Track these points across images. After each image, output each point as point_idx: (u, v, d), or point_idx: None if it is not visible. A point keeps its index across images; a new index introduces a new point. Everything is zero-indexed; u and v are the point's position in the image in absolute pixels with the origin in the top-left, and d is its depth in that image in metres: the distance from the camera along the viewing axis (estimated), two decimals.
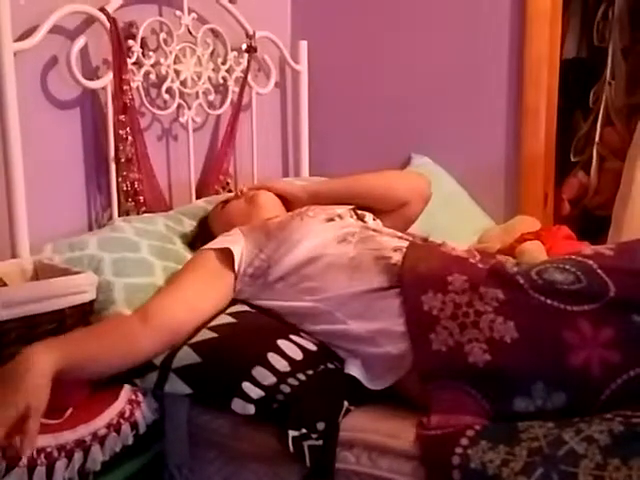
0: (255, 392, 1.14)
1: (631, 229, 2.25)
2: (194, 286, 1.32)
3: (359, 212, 1.54)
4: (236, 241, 1.40)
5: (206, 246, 1.43)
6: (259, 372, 1.16)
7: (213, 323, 1.28)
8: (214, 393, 1.18)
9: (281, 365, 1.17)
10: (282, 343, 1.22)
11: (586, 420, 1.01)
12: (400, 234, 1.43)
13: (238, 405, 1.14)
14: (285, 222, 1.45)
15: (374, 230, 1.42)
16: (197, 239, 1.64)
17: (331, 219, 1.46)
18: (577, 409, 1.04)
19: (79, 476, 1.08)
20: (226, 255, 1.37)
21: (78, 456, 1.09)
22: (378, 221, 1.58)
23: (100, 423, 1.14)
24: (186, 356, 1.20)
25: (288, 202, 1.66)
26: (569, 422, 1.01)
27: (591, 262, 1.15)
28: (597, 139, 2.70)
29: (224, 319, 1.30)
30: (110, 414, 1.16)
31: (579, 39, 2.79)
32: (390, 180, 1.64)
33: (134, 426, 1.18)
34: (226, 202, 1.68)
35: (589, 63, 2.77)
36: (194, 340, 1.23)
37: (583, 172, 2.77)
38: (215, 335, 1.24)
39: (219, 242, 1.42)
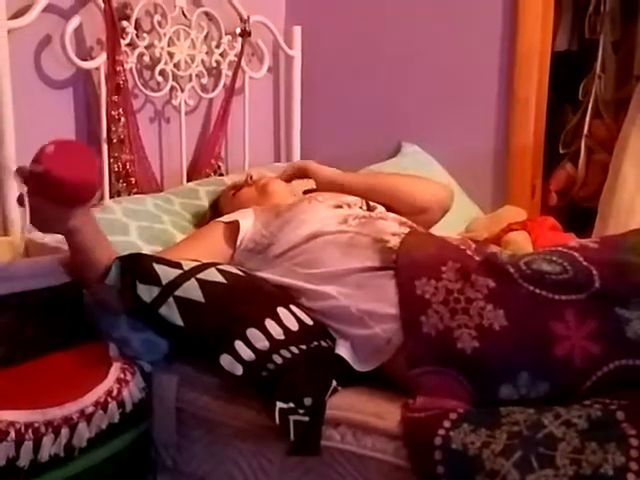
0: (246, 353, 1.15)
1: (617, 221, 2.28)
2: (192, 251, 1.36)
3: (371, 204, 1.55)
4: (247, 217, 1.45)
5: (219, 219, 1.48)
6: (253, 334, 1.17)
7: (224, 267, 1.29)
8: (204, 340, 1.19)
9: (276, 332, 1.19)
10: (281, 311, 1.24)
11: (565, 406, 1.03)
12: (404, 220, 1.44)
13: (227, 361, 1.14)
14: (293, 204, 1.50)
15: (379, 217, 1.44)
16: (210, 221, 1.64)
17: (339, 206, 1.48)
18: (559, 398, 1.06)
19: (65, 452, 1.10)
20: (233, 228, 1.42)
21: (65, 432, 1.10)
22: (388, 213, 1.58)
23: (88, 401, 1.15)
24: (191, 290, 1.20)
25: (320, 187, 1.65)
26: (549, 407, 1.04)
27: (577, 254, 1.16)
28: (586, 131, 2.72)
29: (233, 269, 1.31)
30: (98, 392, 1.18)
31: (570, 32, 2.80)
32: (415, 185, 1.64)
33: (121, 404, 1.20)
34: (236, 188, 1.69)
35: (580, 56, 2.78)
36: (203, 276, 1.23)
37: (571, 164, 2.78)
38: (224, 281, 1.24)
39: (231, 216, 1.46)
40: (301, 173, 1.68)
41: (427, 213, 1.61)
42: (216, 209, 1.70)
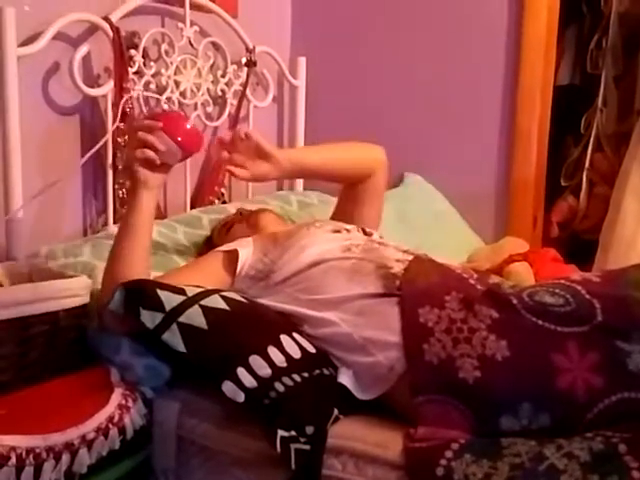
0: (249, 380, 1.14)
1: (617, 253, 2.29)
2: (191, 279, 1.35)
3: (367, 230, 1.56)
4: (246, 246, 1.44)
5: (218, 248, 1.47)
6: (256, 361, 1.16)
7: (227, 294, 1.29)
8: (207, 367, 1.18)
9: (279, 360, 1.18)
10: (284, 338, 1.23)
11: (567, 438, 1.03)
12: (406, 248, 1.45)
13: (229, 388, 1.14)
14: (292, 231, 1.49)
15: (379, 243, 1.44)
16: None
17: (337, 231, 1.49)
18: (560, 430, 1.06)
19: (65, 477, 1.09)
20: (232, 257, 1.41)
21: (66, 458, 1.10)
22: (384, 238, 1.60)
23: (89, 427, 1.14)
24: (195, 317, 1.20)
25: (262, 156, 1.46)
26: (550, 440, 1.03)
27: (579, 287, 1.17)
28: (587, 164, 2.74)
29: (236, 296, 1.31)
30: (99, 418, 1.17)
31: (573, 66, 2.83)
32: (356, 151, 1.63)
33: (122, 431, 1.19)
34: (228, 225, 1.69)
35: (582, 90, 2.82)
36: (206, 303, 1.23)
37: (573, 196, 2.80)
38: (227, 308, 1.24)
39: (230, 245, 1.45)
40: (257, 153, 1.42)
41: (375, 176, 1.60)
42: (210, 246, 1.70)
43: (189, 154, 1.37)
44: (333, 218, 1.68)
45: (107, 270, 1.36)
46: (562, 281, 1.21)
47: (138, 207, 1.34)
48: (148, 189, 1.34)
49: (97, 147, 1.64)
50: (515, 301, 1.16)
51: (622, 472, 0.94)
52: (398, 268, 1.30)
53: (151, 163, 1.32)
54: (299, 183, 2.44)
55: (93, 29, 1.71)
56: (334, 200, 1.74)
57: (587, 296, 1.14)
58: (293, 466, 1.08)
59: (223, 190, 2.14)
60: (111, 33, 1.68)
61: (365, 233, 1.55)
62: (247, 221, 1.66)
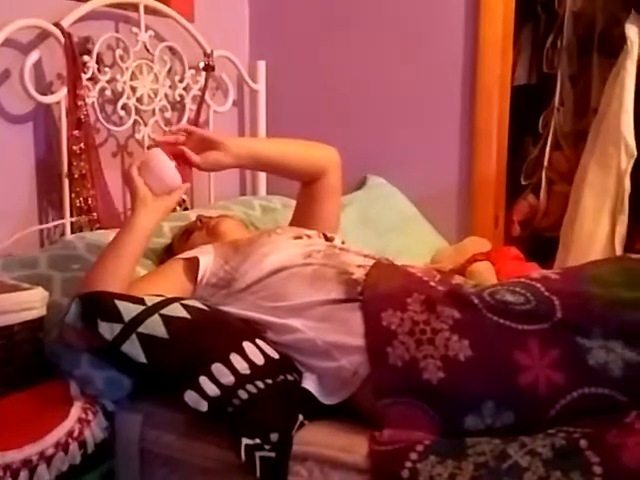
0: (211, 389, 1.13)
1: (578, 250, 2.32)
2: (151, 288, 1.33)
3: (328, 235, 1.56)
4: (206, 253, 1.42)
5: (178, 256, 1.45)
6: (218, 369, 1.15)
7: (188, 302, 1.27)
8: (169, 377, 1.17)
9: (241, 367, 1.17)
10: (247, 345, 1.22)
11: (530, 435, 1.04)
12: (366, 253, 1.45)
13: (191, 398, 1.12)
14: (253, 239, 1.48)
15: (340, 249, 1.44)
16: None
17: (299, 237, 1.48)
18: (524, 427, 1.06)
19: None
20: (193, 264, 1.39)
21: (24, 475, 1.08)
22: (346, 243, 1.59)
23: (48, 442, 1.13)
24: (155, 326, 1.18)
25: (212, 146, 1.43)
26: (514, 438, 1.04)
27: (539, 285, 1.18)
28: (546, 163, 2.77)
29: (197, 304, 1.29)
30: (59, 433, 1.15)
31: (529, 66, 2.87)
32: (309, 148, 1.62)
33: (82, 445, 1.17)
34: (187, 233, 1.67)
35: (539, 90, 2.85)
36: (167, 312, 1.21)
37: (533, 195, 2.83)
38: (188, 316, 1.23)
39: (190, 253, 1.44)
40: (205, 145, 1.39)
41: (328, 176, 1.59)
42: (170, 254, 1.67)
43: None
44: (292, 221, 1.67)
45: (86, 280, 1.33)
46: (522, 279, 1.22)
47: (131, 225, 1.33)
48: (146, 209, 1.32)
49: None
50: (476, 301, 1.16)
51: (584, 467, 0.95)
52: (359, 274, 1.30)
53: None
54: (262, 188, 2.42)
55: (44, 35, 1.67)
56: None
57: (546, 293, 1.15)
58: (258, 474, 1.07)
59: (184, 197, 2.12)
60: (63, 39, 1.65)
61: (326, 239, 1.54)
62: (207, 228, 1.64)
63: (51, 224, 1.75)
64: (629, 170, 2.29)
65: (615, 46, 2.43)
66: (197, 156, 1.36)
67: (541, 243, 2.74)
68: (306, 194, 1.63)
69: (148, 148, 1.98)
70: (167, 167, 1.34)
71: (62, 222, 1.74)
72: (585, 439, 0.99)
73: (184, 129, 1.39)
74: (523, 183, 2.84)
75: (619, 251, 2.28)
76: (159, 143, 1.38)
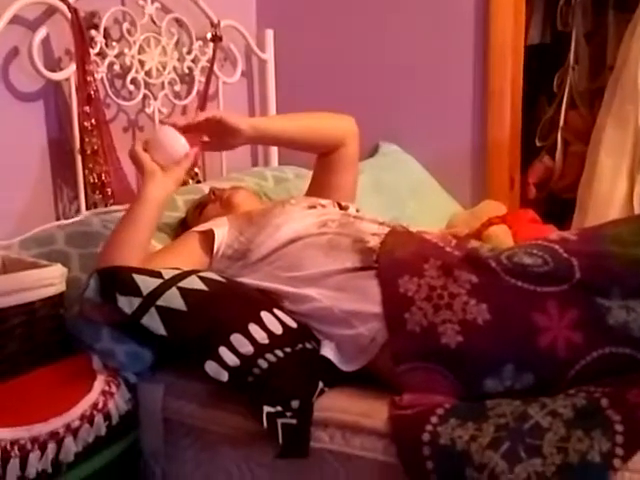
0: (231, 359, 1.14)
1: (595, 211, 2.30)
2: (168, 262, 1.34)
3: (343, 204, 1.56)
4: (221, 225, 1.43)
5: (193, 229, 1.46)
6: (237, 339, 1.16)
7: (204, 274, 1.28)
8: (189, 348, 1.18)
9: (260, 337, 1.18)
10: (265, 315, 1.23)
11: (551, 396, 1.04)
12: (382, 220, 1.44)
13: (212, 368, 1.14)
14: (267, 209, 1.48)
15: (355, 217, 1.44)
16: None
17: (313, 207, 1.47)
18: (544, 388, 1.07)
19: (52, 467, 1.09)
20: (208, 237, 1.40)
21: (51, 448, 1.09)
22: (361, 211, 1.59)
23: (73, 415, 1.14)
24: (173, 299, 1.19)
25: (231, 134, 1.45)
26: (535, 399, 1.04)
27: (557, 246, 1.17)
28: (561, 123, 2.74)
29: (214, 276, 1.30)
30: (83, 406, 1.16)
31: (543, 25, 2.82)
32: (328, 122, 1.62)
33: (107, 417, 1.19)
34: (201, 206, 1.67)
35: (553, 49, 2.81)
36: (184, 284, 1.22)
37: (548, 156, 2.81)
38: (205, 288, 1.23)
39: (205, 225, 1.44)
40: (221, 128, 1.40)
41: (346, 147, 1.60)
42: (185, 228, 1.68)
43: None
44: (309, 191, 1.67)
45: (102, 254, 1.34)
46: (540, 241, 1.22)
47: (143, 197, 1.34)
48: (155, 181, 1.33)
49: None
50: (494, 264, 1.16)
51: (605, 426, 0.96)
52: (374, 242, 1.30)
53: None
54: (274, 158, 2.41)
55: (51, 11, 1.66)
56: (310, 174, 1.72)
57: (565, 255, 1.15)
58: (281, 441, 1.09)
59: (197, 169, 2.12)
60: (69, 14, 1.64)
61: (341, 207, 1.54)
62: (220, 200, 1.64)
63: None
64: None
65: (631, 1, 2.38)
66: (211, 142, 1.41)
67: (558, 205, 2.72)
68: (324, 165, 1.62)
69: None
70: (177, 143, 1.34)
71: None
72: (606, 398, 1.00)
73: (205, 117, 1.39)
74: (538, 144, 2.81)
75: (638, 211, 2.24)
76: (175, 125, 1.37)
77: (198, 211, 1.66)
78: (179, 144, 1.35)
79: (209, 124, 1.39)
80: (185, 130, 1.36)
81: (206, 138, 1.41)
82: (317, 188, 1.63)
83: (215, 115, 1.39)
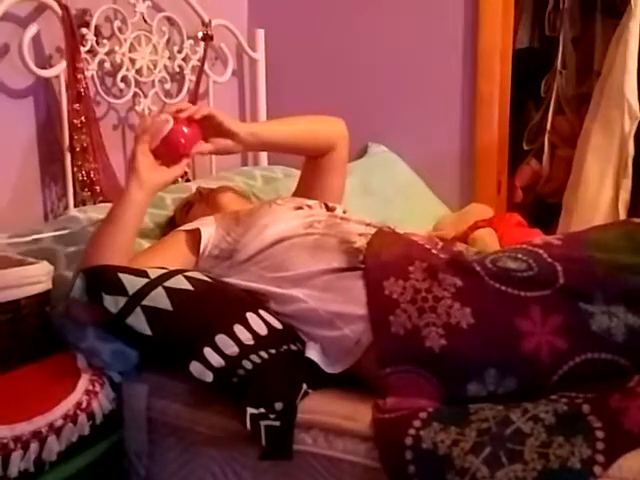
0: (216, 360, 1.14)
1: (581, 215, 2.32)
2: (154, 261, 1.34)
3: (330, 205, 1.56)
4: (208, 224, 1.43)
5: (180, 227, 1.45)
6: (222, 340, 1.17)
7: (191, 274, 1.28)
8: (174, 349, 1.19)
9: (245, 337, 1.18)
10: (250, 316, 1.23)
11: (533, 401, 1.05)
12: (369, 221, 1.45)
13: (196, 368, 1.14)
14: (254, 209, 1.48)
15: (341, 218, 1.44)
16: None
17: (299, 207, 1.48)
18: (527, 393, 1.08)
19: (35, 466, 1.09)
20: (195, 236, 1.40)
21: (34, 447, 1.10)
22: (348, 212, 1.59)
23: (57, 414, 1.14)
24: (159, 298, 1.19)
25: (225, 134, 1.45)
26: (517, 404, 1.05)
27: (541, 251, 1.18)
28: (549, 127, 2.75)
29: (200, 276, 1.30)
30: (67, 405, 1.17)
31: (531, 29, 2.83)
32: (317, 124, 1.62)
33: (91, 416, 1.19)
34: (188, 206, 1.67)
35: (541, 53, 2.82)
36: (170, 284, 1.22)
37: (535, 160, 2.82)
38: (191, 288, 1.24)
39: (192, 224, 1.44)
40: (218, 130, 1.40)
41: (336, 150, 1.60)
42: (173, 227, 1.67)
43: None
44: (296, 192, 1.67)
45: (84, 254, 1.34)
46: (524, 246, 1.22)
47: (126, 197, 1.31)
48: (138, 180, 1.31)
49: None
50: (478, 268, 1.16)
51: (586, 432, 0.97)
52: (361, 242, 1.30)
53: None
54: (263, 158, 2.41)
55: (42, 8, 1.66)
56: (299, 173, 1.72)
57: (549, 260, 1.15)
58: (264, 442, 1.09)
59: (187, 169, 2.11)
60: (60, 12, 1.63)
61: (327, 208, 1.54)
62: (206, 200, 1.64)
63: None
64: (633, 133, 2.27)
65: (619, 7, 2.40)
66: (208, 145, 1.38)
67: (544, 209, 2.73)
68: (313, 167, 1.62)
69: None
70: (176, 135, 1.33)
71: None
72: (588, 404, 1.01)
73: (206, 113, 1.38)
74: (526, 148, 2.82)
75: (623, 216, 2.26)
76: (175, 117, 1.35)
77: (185, 210, 1.66)
78: (181, 144, 1.33)
79: (209, 123, 1.38)
80: (188, 122, 1.35)
81: (207, 147, 1.40)
82: (305, 189, 1.63)
83: (216, 116, 1.38)
